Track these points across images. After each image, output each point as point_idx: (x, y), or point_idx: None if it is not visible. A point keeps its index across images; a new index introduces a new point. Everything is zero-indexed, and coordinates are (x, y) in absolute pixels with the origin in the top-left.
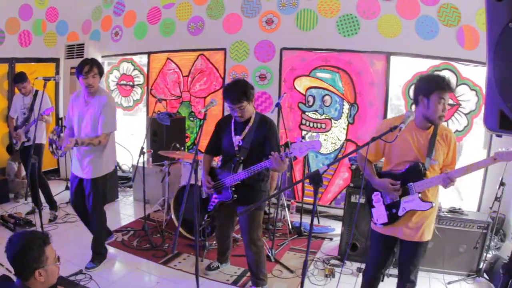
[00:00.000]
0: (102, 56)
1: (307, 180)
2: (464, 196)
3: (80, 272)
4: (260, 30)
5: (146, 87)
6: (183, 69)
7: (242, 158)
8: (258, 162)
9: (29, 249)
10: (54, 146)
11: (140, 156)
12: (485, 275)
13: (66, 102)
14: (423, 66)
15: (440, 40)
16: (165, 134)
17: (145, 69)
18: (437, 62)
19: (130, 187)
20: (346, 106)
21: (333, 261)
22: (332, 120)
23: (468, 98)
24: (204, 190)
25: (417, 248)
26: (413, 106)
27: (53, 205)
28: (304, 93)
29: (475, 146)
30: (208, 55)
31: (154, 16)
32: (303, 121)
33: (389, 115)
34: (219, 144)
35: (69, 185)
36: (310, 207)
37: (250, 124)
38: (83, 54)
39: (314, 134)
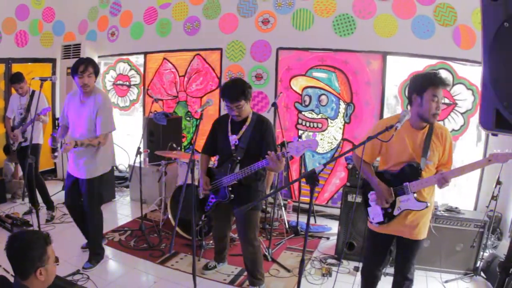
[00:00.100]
0: (99, 56)
1: (304, 180)
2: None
3: (78, 272)
4: (256, 30)
5: (142, 87)
6: (180, 69)
7: (239, 158)
8: (255, 162)
9: (33, 246)
10: (55, 154)
11: (136, 156)
12: (482, 273)
13: (63, 102)
14: (420, 65)
15: (437, 40)
16: (161, 134)
17: (142, 69)
18: (433, 61)
19: (127, 187)
20: (343, 106)
21: (330, 260)
22: (329, 120)
23: (464, 97)
24: (201, 192)
25: (413, 246)
26: (409, 106)
27: (50, 205)
28: (300, 92)
29: (468, 144)
30: (204, 55)
31: (151, 16)
32: (300, 121)
33: (385, 114)
34: (215, 143)
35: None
36: (307, 206)
37: (247, 123)
38: (79, 54)
39: (311, 133)
